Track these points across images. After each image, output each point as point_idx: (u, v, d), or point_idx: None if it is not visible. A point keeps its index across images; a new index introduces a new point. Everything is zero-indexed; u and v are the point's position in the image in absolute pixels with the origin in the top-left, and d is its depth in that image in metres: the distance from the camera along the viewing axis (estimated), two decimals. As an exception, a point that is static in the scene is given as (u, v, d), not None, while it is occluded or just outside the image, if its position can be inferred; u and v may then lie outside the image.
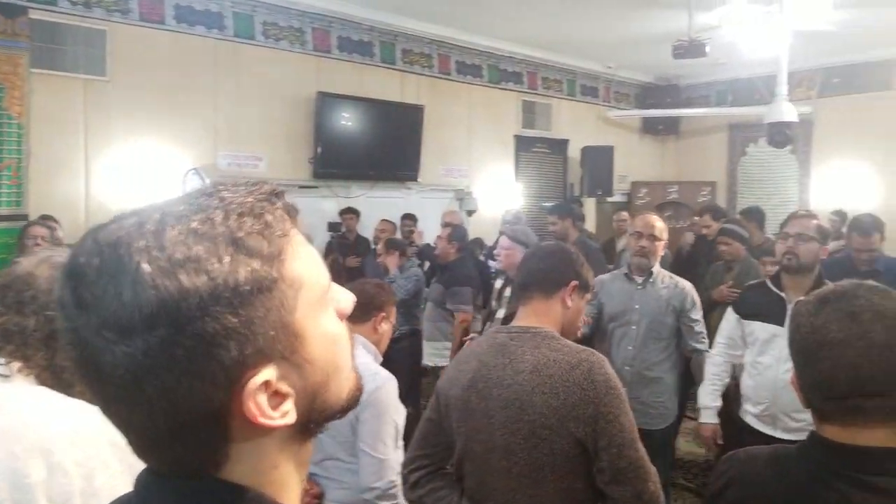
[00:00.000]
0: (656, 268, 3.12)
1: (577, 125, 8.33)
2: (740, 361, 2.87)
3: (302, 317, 0.53)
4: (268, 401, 0.51)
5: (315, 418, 0.57)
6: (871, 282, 1.01)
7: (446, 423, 1.68)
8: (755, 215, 4.99)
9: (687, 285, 3.13)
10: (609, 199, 8.36)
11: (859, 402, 0.92)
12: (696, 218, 5.45)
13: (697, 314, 3.12)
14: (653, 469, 1.52)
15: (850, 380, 0.92)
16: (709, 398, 2.91)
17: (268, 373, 0.51)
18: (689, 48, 5.67)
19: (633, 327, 3.06)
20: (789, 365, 2.60)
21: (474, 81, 7.30)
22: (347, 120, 6.16)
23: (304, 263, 0.55)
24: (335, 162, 6.07)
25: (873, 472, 0.91)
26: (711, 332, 3.42)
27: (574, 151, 8.18)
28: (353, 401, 0.62)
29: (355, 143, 6.21)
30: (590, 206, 8.23)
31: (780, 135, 5.71)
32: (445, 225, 4.61)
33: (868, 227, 3.59)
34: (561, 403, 1.49)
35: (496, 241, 4.04)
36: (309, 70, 6.01)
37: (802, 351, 0.99)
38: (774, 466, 1.03)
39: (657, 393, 3.06)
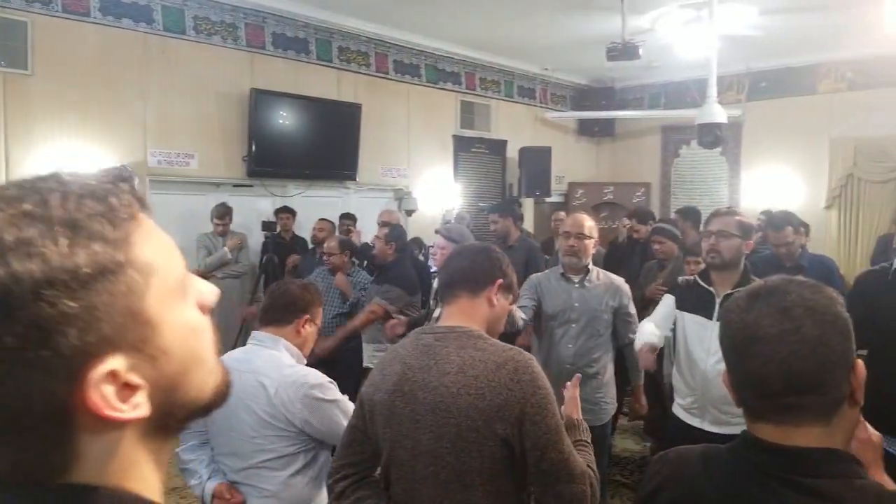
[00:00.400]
0: (592, 266, 3.14)
1: (515, 126, 8.38)
2: (662, 339, 2.91)
3: (155, 305, 0.51)
4: (117, 392, 0.48)
5: (175, 413, 0.54)
6: (800, 277, 1.00)
7: (371, 430, 1.62)
8: (691, 215, 5.13)
9: (621, 281, 3.19)
10: (547, 200, 8.45)
11: (793, 400, 0.89)
12: (626, 220, 5.56)
13: (633, 308, 3.21)
14: (580, 470, 1.50)
15: (784, 376, 0.89)
16: (643, 335, 2.87)
17: (115, 362, 0.48)
18: (623, 50, 5.77)
19: (573, 325, 3.07)
20: (718, 357, 2.67)
21: (413, 81, 7.25)
22: (283, 118, 6.01)
23: (156, 250, 0.52)
24: (270, 160, 5.91)
25: (810, 474, 0.88)
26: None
27: (512, 152, 8.24)
28: (220, 397, 0.58)
29: (291, 141, 6.06)
30: (528, 207, 8.29)
31: (711, 136, 5.88)
32: (382, 224, 4.54)
33: (779, 222, 3.75)
34: (487, 405, 1.45)
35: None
36: (242, 66, 5.84)
37: (734, 348, 0.96)
38: (706, 468, 1.00)
39: (597, 389, 3.10)
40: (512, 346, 1.57)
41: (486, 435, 1.45)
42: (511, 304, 1.80)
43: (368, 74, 6.80)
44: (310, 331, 2.14)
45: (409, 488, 1.54)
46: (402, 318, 3.66)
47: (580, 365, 3.03)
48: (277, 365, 2.00)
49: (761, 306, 0.93)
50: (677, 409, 2.83)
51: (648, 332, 2.88)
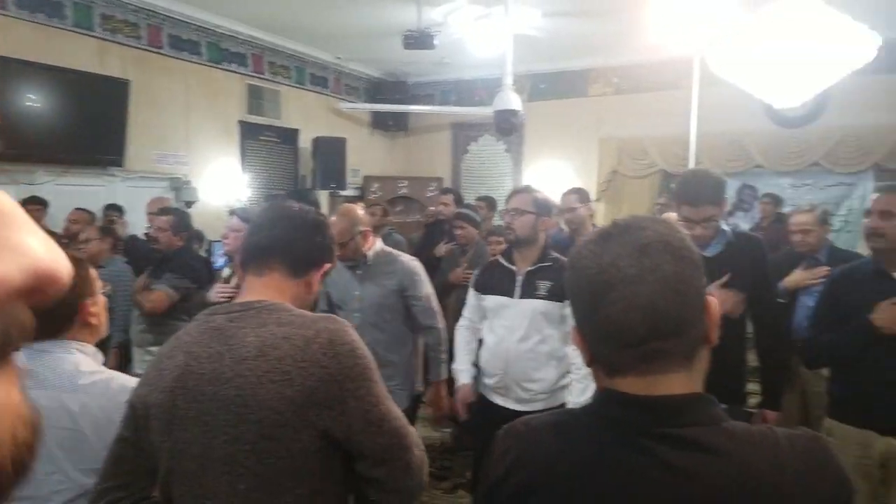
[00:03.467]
0: (372, 252, 2.96)
1: (308, 115, 8.02)
2: (472, 371, 2.94)
3: None
4: None
5: None
6: (645, 215, 0.92)
7: (146, 440, 1.27)
8: (491, 202, 5.31)
9: (410, 263, 3.00)
10: (342, 193, 8.21)
11: (658, 345, 0.80)
12: (441, 197, 5.52)
13: (422, 290, 2.99)
14: (413, 430, 1.30)
15: (648, 320, 0.79)
16: (462, 363, 2.94)
17: None
18: (419, 39, 5.76)
19: (357, 314, 2.90)
20: (520, 335, 2.68)
21: (192, 59, 6.57)
22: (30, 91, 5.06)
23: None
24: (15, 141, 4.92)
25: (681, 423, 0.79)
26: (449, 313, 3.40)
27: (305, 142, 7.87)
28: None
29: (41, 119, 5.13)
30: (323, 200, 7.99)
31: (506, 122, 6.09)
32: (162, 212, 3.96)
33: (584, 196, 3.99)
34: (297, 391, 1.17)
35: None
36: (-26, 26, 4.83)
37: (588, 296, 0.84)
38: (561, 438, 0.87)
39: (389, 377, 2.88)
40: (325, 315, 1.29)
41: (298, 428, 1.18)
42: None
43: (139, 48, 6.02)
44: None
45: None
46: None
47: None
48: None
49: (616, 246, 0.82)
50: (484, 389, 2.84)
51: (462, 366, 2.91)
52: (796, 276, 3.33)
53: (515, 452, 0.89)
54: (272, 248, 1.35)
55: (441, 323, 3.01)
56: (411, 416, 3.15)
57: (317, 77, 8.22)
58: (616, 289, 0.80)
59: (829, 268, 3.13)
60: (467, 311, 2.97)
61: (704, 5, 3.57)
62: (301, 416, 1.18)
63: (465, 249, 4.16)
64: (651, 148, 7.85)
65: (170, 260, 3.70)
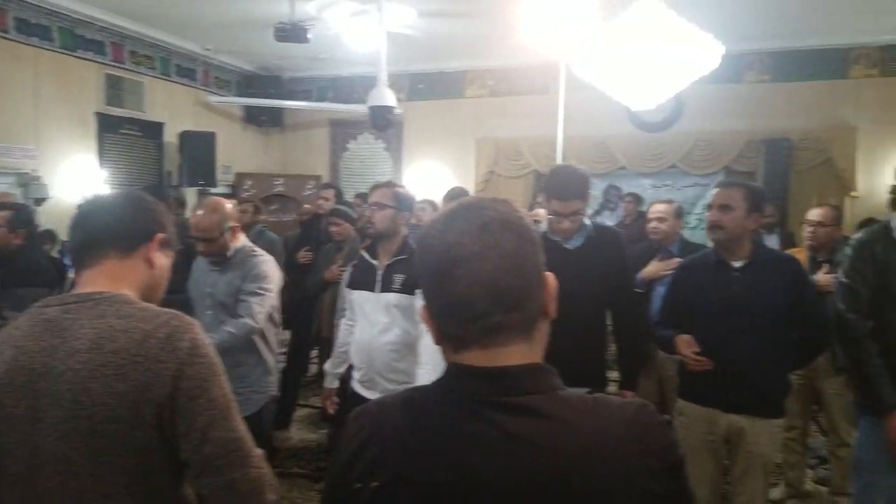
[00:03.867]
0: (233, 249, 2.81)
1: (174, 108, 7.61)
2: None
3: None
4: None
5: None
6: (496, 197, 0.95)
7: None
8: (365, 197, 5.21)
9: (261, 265, 2.81)
10: (213, 190, 7.84)
11: (500, 319, 0.84)
12: (321, 192, 5.38)
13: (256, 286, 2.76)
14: (255, 451, 1.23)
15: (490, 294, 0.83)
16: (331, 364, 2.94)
17: None
18: (292, 32, 5.62)
19: (209, 312, 2.79)
20: (380, 328, 2.68)
21: (42, 45, 6.05)
22: None
23: None
24: None
25: (520, 391, 0.84)
26: (324, 311, 3.34)
27: (171, 136, 7.47)
28: None
29: None
30: (191, 198, 7.60)
31: (382, 119, 6.07)
32: (-1, 208, 3.59)
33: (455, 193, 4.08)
34: (131, 386, 1.11)
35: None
36: None
37: (435, 273, 0.87)
38: (411, 412, 0.90)
39: (241, 378, 2.70)
40: (169, 311, 1.23)
41: (133, 424, 1.11)
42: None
43: (-23, 30, 5.47)
44: None
45: None
46: None
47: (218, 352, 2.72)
48: None
49: (460, 224, 0.87)
50: (355, 384, 2.82)
51: (330, 369, 2.98)
52: (652, 268, 3.55)
53: (367, 431, 0.90)
54: (95, 236, 1.28)
55: (257, 323, 2.74)
56: (268, 420, 2.99)
57: (184, 68, 7.82)
58: (460, 265, 0.84)
59: (680, 259, 3.37)
60: (348, 310, 2.95)
61: (568, 11, 3.74)
62: (135, 412, 1.11)
63: (341, 246, 4.11)
64: (525, 149, 8.12)
65: (11, 261, 3.37)
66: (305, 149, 9.19)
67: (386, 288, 2.66)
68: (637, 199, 7.22)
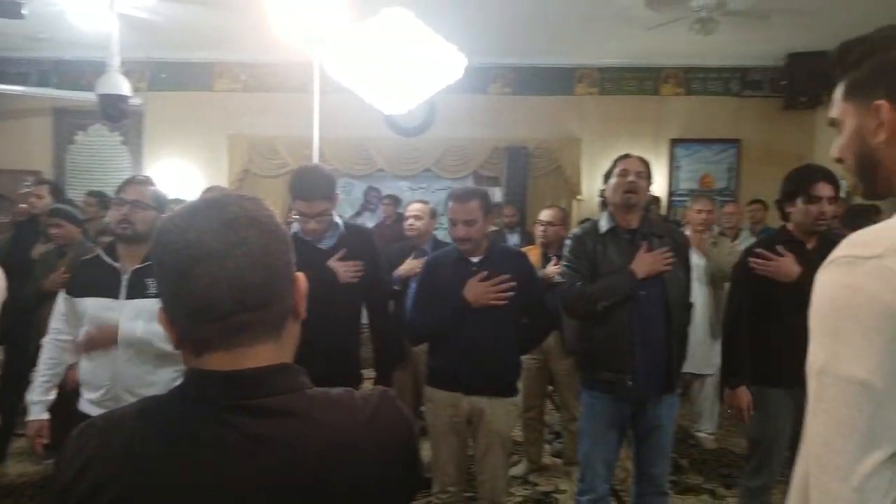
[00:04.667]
0: None
1: None
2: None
3: None
4: None
5: None
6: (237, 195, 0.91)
7: None
8: (103, 199, 4.86)
9: None
10: None
11: (245, 318, 0.81)
12: (30, 190, 4.64)
13: None
14: None
15: (233, 293, 0.80)
16: (37, 392, 2.53)
17: None
18: (2, 5, 4.79)
19: None
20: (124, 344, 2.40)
21: None
22: None
23: None
24: None
25: (264, 393, 0.82)
26: (43, 328, 2.87)
27: None
28: None
29: None
30: None
31: (114, 109, 5.42)
32: None
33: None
34: None
35: None
36: None
37: (175, 273, 0.82)
38: (146, 422, 0.83)
39: None
40: None
41: None
42: None
43: None
44: None
45: None
46: None
47: None
48: None
49: (202, 222, 0.82)
50: (86, 406, 2.43)
51: (36, 397, 2.55)
52: (406, 265, 3.69)
53: (92, 449, 0.82)
54: None
55: None
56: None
57: None
58: (201, 264, 0.80)
59: (430, 257, 3.54)
60: (55, 322, 2.56)
61: (318, 11, 3.70)
62: None
63: (64, 251, 3.59)
64: (281, 148, 7.91)
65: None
66: (22, 140, 7.94)
67: (137, 294, 2.36)
68: (396, 200, 7.44)
